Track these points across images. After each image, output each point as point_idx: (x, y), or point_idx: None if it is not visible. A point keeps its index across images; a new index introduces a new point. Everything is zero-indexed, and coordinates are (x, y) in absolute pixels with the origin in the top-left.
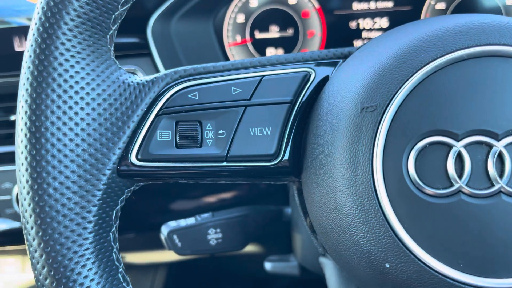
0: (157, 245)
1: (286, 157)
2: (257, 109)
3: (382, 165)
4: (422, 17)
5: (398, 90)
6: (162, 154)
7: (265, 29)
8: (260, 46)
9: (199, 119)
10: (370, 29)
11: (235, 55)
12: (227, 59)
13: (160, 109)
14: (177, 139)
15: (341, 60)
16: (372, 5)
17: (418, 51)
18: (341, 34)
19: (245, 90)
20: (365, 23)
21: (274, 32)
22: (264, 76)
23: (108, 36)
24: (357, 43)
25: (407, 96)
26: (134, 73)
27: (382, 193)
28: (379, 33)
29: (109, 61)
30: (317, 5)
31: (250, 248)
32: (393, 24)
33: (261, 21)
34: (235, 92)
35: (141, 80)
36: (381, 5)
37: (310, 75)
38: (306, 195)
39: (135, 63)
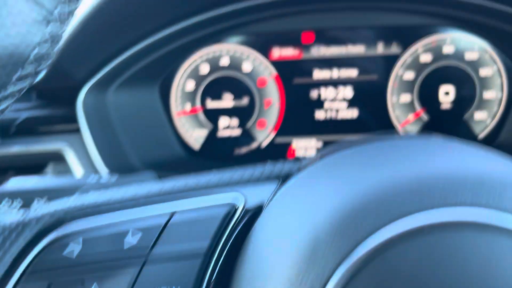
0: None
1: None
2: (160, 265)
3: None
4: (389, 87)
5: (332, 273)
6: None
7: (218, 97)
8: (213, 115)
9: (81, 277)
10: (333, 100)
11: (185, 124)
12: (174, 129)
13: (29, 265)
14: None
15: (277, 185)
16: (335, 74)
17: (362, 216)
18: (301, 105)
19: (145, 236)
20: (327, 93)
21: (227, 100)
22: (174, 213)
23: None
24: (319, 113)
25: (346, 283)
26: (60, 154)
27: None
28: (343, 104)
29: None
30: (274, 73)
31: None
32: (358, 95)
33: (213, 89)
34: (131, 241)
35: (6, 223)
36: (344, 73)
37: (237, 208)
38: None
39: (65, 139)
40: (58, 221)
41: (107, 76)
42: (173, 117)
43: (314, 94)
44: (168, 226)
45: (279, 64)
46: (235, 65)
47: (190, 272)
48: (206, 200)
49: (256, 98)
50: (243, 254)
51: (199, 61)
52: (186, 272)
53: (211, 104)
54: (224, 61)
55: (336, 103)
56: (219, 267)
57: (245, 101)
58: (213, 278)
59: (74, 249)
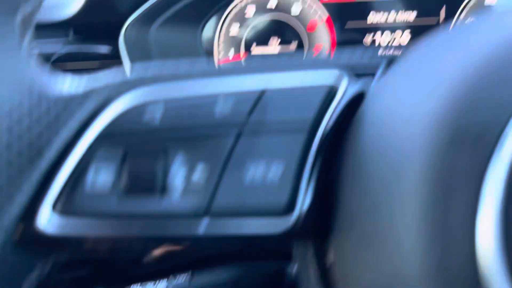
0: None
1: (303, 211)
2: (257, 138)
3: (502, 237)
4: None
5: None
6: (99, 206)
7: (264, 42)
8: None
9: (163, 149)
10: (388, 46)
11: None
12: None
13: (101, 134)
14: (125, 181)
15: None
16: (391, 17)
17: None
18: None
19: (238, 108)
20: (382, 39)
21: (274, 46)
22: (267, 89)
23: (17, 17)
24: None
25: None
26: None
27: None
28: (398, 51)
29: (18, 57)
30: (325, 16)
31: None
32: (415, 41)
33: (259, 34)
34: (222, 111)
35: (70, 92)
36: (401, 17)
37: (337, 89)
38: (342, 273)
39: None
40: (133, 86)
41: (150, 11)
42: (215, 64)
43: (367, 40)
44: (261, 99)
45: (331, 6)
46: (283, 7)
47: (292, 148)
48: (299, 79)
49: (305, 43)
50: (360, 127)
51: (244, 3)
52: (287, 149)
53: (256, 50)
54: (272, 3)
55: (392, 50)
56: (326, 144)
57: (292, 46)
58: (319, 156)
59: (155, 114)
